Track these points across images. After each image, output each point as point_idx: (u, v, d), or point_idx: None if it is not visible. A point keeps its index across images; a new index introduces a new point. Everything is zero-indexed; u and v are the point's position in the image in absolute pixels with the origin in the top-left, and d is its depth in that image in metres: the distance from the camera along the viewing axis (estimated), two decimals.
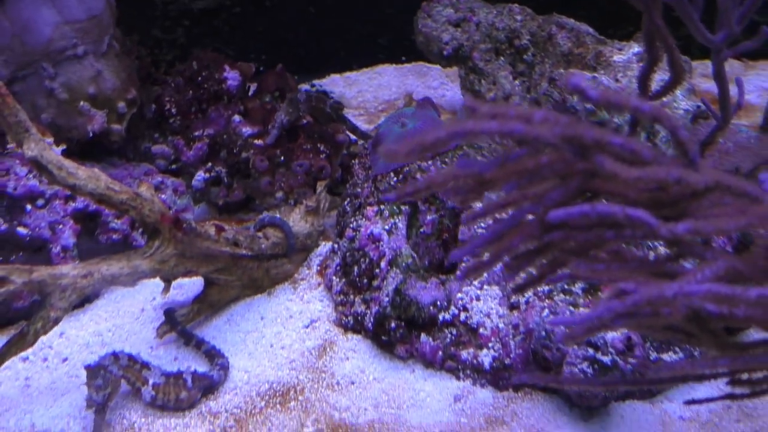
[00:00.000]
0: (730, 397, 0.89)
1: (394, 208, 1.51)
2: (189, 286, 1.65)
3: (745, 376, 0.95)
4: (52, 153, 1.26)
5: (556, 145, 0.66)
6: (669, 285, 0.64)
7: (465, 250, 0.73)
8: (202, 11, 2.55)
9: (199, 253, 1.45)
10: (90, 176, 1.30)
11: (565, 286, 1.29)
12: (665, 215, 0.70)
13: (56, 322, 1.30)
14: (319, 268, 1.66)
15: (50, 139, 1.60)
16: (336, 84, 2.64)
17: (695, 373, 0.95)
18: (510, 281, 0.81)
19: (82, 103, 1.56)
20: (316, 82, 2.58)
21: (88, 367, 1.27)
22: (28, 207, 1.55)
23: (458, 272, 1.37)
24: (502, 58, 2.07)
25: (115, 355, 1.29)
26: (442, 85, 2.58)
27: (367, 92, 2.56)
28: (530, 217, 0.71)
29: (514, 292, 0.84)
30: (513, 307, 1.36)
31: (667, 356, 1.30)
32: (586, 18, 2.20)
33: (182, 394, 1.32)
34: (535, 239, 0.72)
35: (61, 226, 1.57)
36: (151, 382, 1.31)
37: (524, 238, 0.72)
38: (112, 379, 1.27)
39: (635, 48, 1.81)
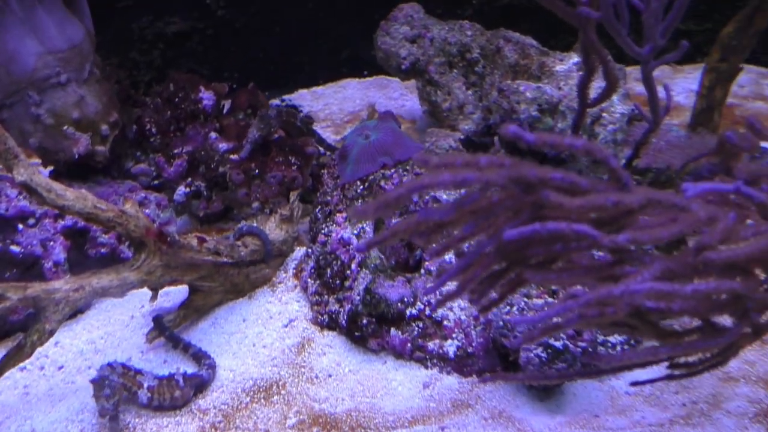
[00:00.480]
0: (670, 377, 0.93)
1: None
2: (175, 294, 1.65)
3: (682, 359, 1.00)
4: (41, 177, 1.26)
5: (505, 185, 0.70)
6: (616, 286, 0.67)
7: (437, 285, 0.76)
8: (176, 34, 2.54)
9: (183, 263, 1.46)
10: (78, 197, 1.30)
11: None
12: (608, 231, 0.73)
13: (51, 333, 1.31)
14: (294, 271, 1.68)
15: (38, 161, 1.59)
16: (304, 98, 2.66)
17: (639, 362, 0.99)
18: (476, 304, 0.84)
19: (67, 127, 1.56)
20: (285, 97, 2.59)
21: (93, 381, 1.28)
22: (20, 226, 1.55)
23: (433, 301, 1.41)
24: (455, 70, 2.11)
25: (111, 366, 1.30)
26: (401, 96, 2.61)
27: (333, 105, 2.58)
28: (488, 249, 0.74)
29: (481, 312, 0.87)
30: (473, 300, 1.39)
31: (613, 338, 1.34)
32: (530, 30, 2.24)
33: (176, 393, 1.34)
34: (495, 265, 0.76)
35: (51, 243, 1.57)
36: (146, 385, 1.32)
37: (485, 267, 0.76)
38: (117, 387, 1.28)
39: (575, 58, 1.86)
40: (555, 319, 0.72)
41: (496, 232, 0.71)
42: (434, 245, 0.77)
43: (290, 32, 2.63)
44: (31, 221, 1.56)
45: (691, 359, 0.98)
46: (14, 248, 1.54)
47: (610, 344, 1.34)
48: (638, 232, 0.72)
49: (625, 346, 1.36)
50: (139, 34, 2.47)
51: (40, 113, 1.53)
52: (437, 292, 0.81)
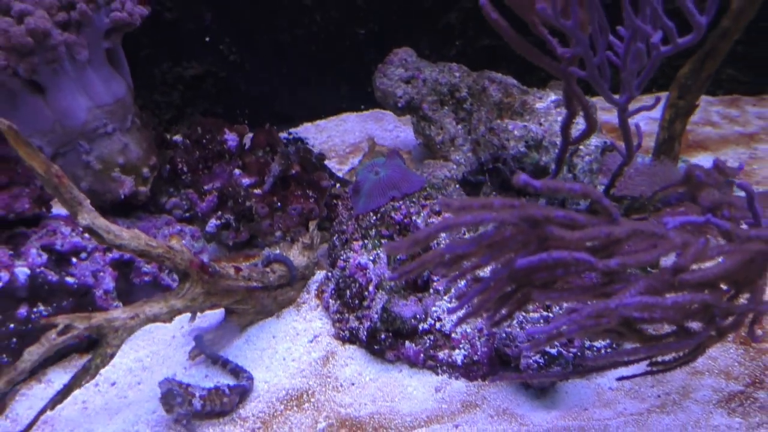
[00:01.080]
0: (649, 373, 1.03)
1: (375, 241, 1.62)
2: (211, 316, 1.72)
3: (659, 358, 1.10)
4: (102, 219, 1.33)
5: (516, 223, 0.79)
6: (611, 300, 0.77)
7: (459, 305, 0.84)
8: (193, 77, 2.61)
9: (221, 290, 1.53)
10: (132, 236, 1.38)
11: None
12: (601, 257, 0.83)
13: (112, 356, 1.37)
14: (316, 292, 1.76)
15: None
16: (308, 131, 2.73)
17: (623, 360, 1.09)
18: (489, 320, 0.93)
19: (113, 172, 1.63)
20: (291, 130, 2.66)
21: (164, 394, 1.35)
22: (74, 260, 1.61)
23: (446, 317, 1.49)
24: (446, 107, 2.21)
25: (168, 380, 1.37)
26: (396, 128, 2.70)
27: (336, 137, 2.66)
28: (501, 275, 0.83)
29: (492, 326, 0.96)
30: (488, 317, 1.48)
31: (598, 343, 1.44)
32: (507, 67, 2.35)
33: (224, 399, 1.41)
34: (507, 288, 0.85)
35: (102, 274, 1.63)
36: (197, 394, 1.39)
37: (499, 290, 0.85)
38: (185, 395, 1.35)
39: (552, 96, 1.96)
40: (559, 329, 0.81)
41: (509, 262, 0.80)
42: (453, 273, 0.86)
43: (294, 72, 2.71)
44: (84, 255, 1.62)
45: (666, 358, 1.08)
46: (69, 279, 1.60)
47: (595, 348, 1.44)
48: (626, 257, 0.81)
49: (609, 350, 1.46)
50: (161, 77, 2.54)
51: (90, 160, 1.60)
52: (454, 312, 0.89)
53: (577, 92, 1.34)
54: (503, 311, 0.95)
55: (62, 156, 1.60)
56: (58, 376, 1.60)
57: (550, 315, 1.38)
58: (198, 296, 1.49)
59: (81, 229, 1.29)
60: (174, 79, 2.59)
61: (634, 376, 1.12)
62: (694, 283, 0.80)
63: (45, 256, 1.57)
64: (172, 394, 1.33)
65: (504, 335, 1.37)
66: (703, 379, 1.43)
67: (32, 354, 1.25)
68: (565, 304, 1.39)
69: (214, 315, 1.70)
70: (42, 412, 1.32)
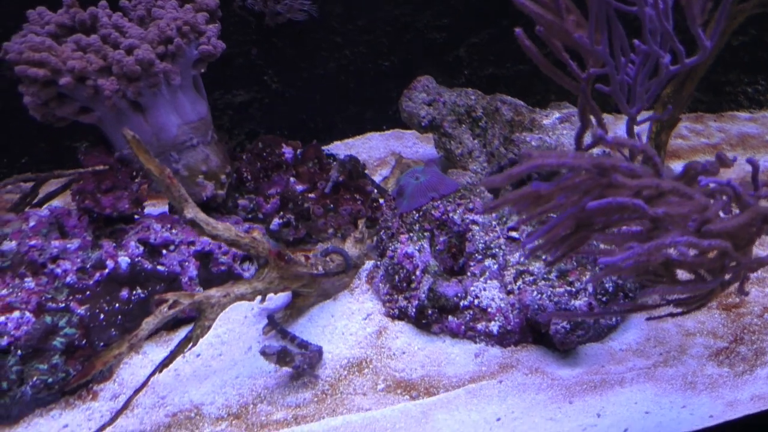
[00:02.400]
0: (672, 315, 1.12)
1: (419, 234, 1.73)
2: (276, 299, 1.82)
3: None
4: (202, 214, 1.44)
5: (588, 169, 0.90)
6: (666, 237, 0.88)
7: (534, 237, 0.95)
8: (241, 103, 2.73)
9: (292, 275, 1.64)
10: (225, 228, 1.48)
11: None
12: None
13: (209, 328, 1.47)
14: (367, 279, 1.86)
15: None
16: (338, 148, 2.84)
17: (652, 305, 1.18)
18: (553, 256, 1.01)
19: (198, 178, 1.74)
20: (324, 148, 2.76)
21: (279, 352, 1.43)
22: (164, 252, 1.71)
23: (524, 251, 1.57)
24: (463, 125, 2.34)
25: (270, 345, 1.46)
26: (415, 144, 2.82)
27: (363, 153, 2.77)
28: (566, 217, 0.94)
29: (549, 265, 1.06)
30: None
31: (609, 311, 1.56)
32: (506, 92, 2.48)
33: (312, 358, 1.51)
34: (569, 228, 0.95)
35: (187, 263, 1.73)
36: (296, 352, 1.48)
37: (565, 229, 0.95)
38: (294, 353, 1.45)
39: (556, 114, 2.10)
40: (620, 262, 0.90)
41: (579, 203, 0.91)
42: (530, 214, 0.94)
43: (327, 98, 2.83)
44: (172, 248, 1.72)
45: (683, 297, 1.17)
46: (160, 268, 1.69)
47: (606, 318, 1.55)
48: (670, 208, 0.92)
49: (618, 318, 1.57)
50: (213, 103, 2.64)
51: (179, 168, 1.71)
52: (526, 250, 0.96)
53: (593, 105, 1.47)
54: (561, 250, 1.03)
55: None
56: (152, 349, 1.69)
57: (573, 289, 1.50)
58: (274, 280, 1.60)
59: (182, 221, 1.39)
60: (224, 105, 2.70)
61: (660, 317, 1.22)
62: (716, 232, 0.92)
63: (141, 248, 1.66)
64: (287, 352, 1.43)
65: (536, 306, 1.49)
66: (695, 338, 1.56)
67: (149, 323, 1.35)
68: (584, 278, 1.51)
69: (281, 298, 1.80)
70: (153, 373, 1.41)
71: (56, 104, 1.56)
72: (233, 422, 1.47)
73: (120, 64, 1.48)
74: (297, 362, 1.45)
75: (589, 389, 1.41)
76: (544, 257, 1.53)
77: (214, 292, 1.47)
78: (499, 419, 1.36)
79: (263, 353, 1.43)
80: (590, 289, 1.50)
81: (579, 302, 1.46)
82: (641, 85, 1.29)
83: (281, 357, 1.42)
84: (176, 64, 1.62)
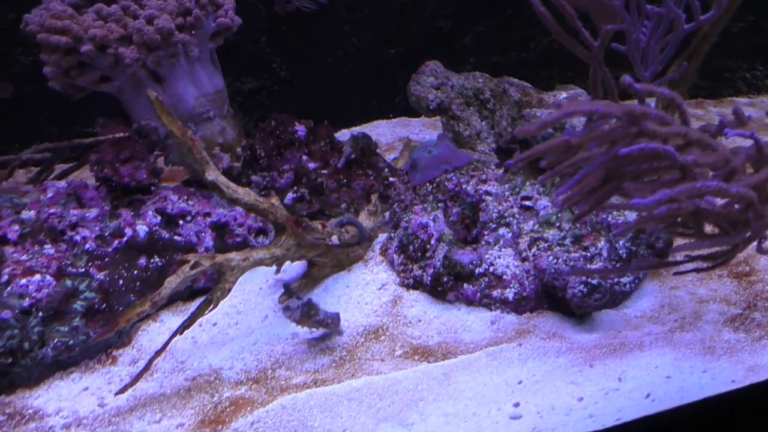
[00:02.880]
0: (697, 270, 1.12)
1: (433, 205, 1.73)
2: (291, 270, 1.81)
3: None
4: (223, 177, 1.43)
5: (619, 117, 0.90)
6: (697, 182, 0.88)
7: (565, 187, 0.95)
8: (250, 90, 2.73)
9: (308, 243, 1.63)
10: (245, 192, 1.48)
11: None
12: None
13: (229, 291, 1.46)
14: (380, 251, 1.86)
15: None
16: (345, 136, 2.84)
17: (673, 261, 1.18)
18: (581, 209, 1.01)
19: (215, 150, 1.74)
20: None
21: (304, 305, 1.42)
22: (181, 222, 1.70)
23: (557, 201, 1.57)
24: (471, 107, 2.35)
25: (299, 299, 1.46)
26: (421, 131, 2.83)
27: None
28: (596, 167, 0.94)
29: (576, 218, 1.06)
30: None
31: (624, 279, 1.56)
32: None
33: (332, 320, 1.50)
34: (599, 178, 0.95)
35: (203, 234, 1.72)
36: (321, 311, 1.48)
37: (596, 179, 0.95)
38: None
39: (564, 94, 2.11)
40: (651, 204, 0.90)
41: (610, 151, 0.91)
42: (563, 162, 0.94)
43: (334, 87, 2.84)
44: (188, 218, 1.71)
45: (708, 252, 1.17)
46: (177, 238, 1.69)
47: (622, 283, 1.56)
48: (698, 156, 0.93)
49: (633, 285, 1.58)
50: None
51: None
52: (558, 198, 0.95)
53: (605, 73, 1.48)
54: (590, 202, 1.02)
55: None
56: (168, 318, 1.68)
57: (588, 254, 1.50)
58: (291, 247, 1.59)
59: (207, 183, 1.38)
60: (234, 92, 2.70)
61: (687, 271, 1.21)
62: (743, 183, 0.92)
63: (159, 218, 1.66)
64: (311, 305, 1.42)
65: (553, 270, 1.49)
66: (709, 305, 1.56)
67: (171, 283, 1.34)
68: (599, 243, 1.51)
69: (296, 269, 1.79)
70: (175, 334, 1.40)
71: (77, 73, 1.56)
72: (253, 386, 1.46)
73: (140, 33, 1.48)
74: (321, 316, 1.44)
75: (608, 353, 1.41)
76: (573, 210, 1.53)
77: (234, 255, 1.46)
78: (520, 382, 1.35)
79: (287, 308, 1.42)
80: (605, 254, 1.51)
81: (594, 267, 1.46)
82: (656, 43, 1.30)
83: (305, 310, 1.41)
84: (194, 35, 1.62)
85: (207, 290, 1.70)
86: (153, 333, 1.61)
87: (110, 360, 1.51)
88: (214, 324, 1.67)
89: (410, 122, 2.92)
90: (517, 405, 1.30)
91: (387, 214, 1.91)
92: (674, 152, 0.88)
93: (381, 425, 1.29)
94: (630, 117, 0.92)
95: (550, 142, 0.92)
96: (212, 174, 1.40)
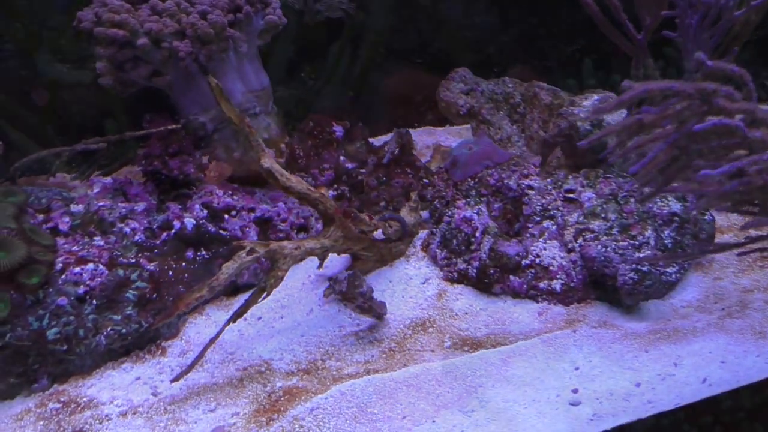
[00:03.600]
0: (761, 249, 1.11)
1: (477, 199, 1.73)
2: (331, 267, 1.79)
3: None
4: (277, 165, 1.43)
5: (691, 95, 0.91)
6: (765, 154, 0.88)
7: (640, 164, 0.95)
8: (278, 99, 2.75)
9: (354, 236, 1.62)
10: (298, 181, 1.47)
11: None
12: None
13: (281, 279, 1.44)
14: (422, 246, 1.84)
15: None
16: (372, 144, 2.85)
17: (732, 243, 1.17)
18: (650, 188, 1.01)
19: None
20: None
21: (350, 275, 1.41)
22: (226, 216, 1.69)
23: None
24: (501, 111, 2.36)
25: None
26: (447, 139, 2.83)
27: None
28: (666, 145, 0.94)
29: (646, 198, 1.05)
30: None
31: (670, 269, 1.54)
32: None
33: (382, 307, 1.49)
34: (672, 154, 0.96)
35: (247, 228, 1.71)
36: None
37: (667, 155, 0.96)
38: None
39: (595, 96, 2.12)
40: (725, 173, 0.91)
41: (682, 129, 0.91)
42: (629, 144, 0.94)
43: (358, 98, 2.86)
44: (234, 213, 1.70)
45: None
46: (223, 231, 1.67)
47: (668, 273, 1.54)
48: (764, 134, 0.93)
49: (678, 275, 1.56)
50: None
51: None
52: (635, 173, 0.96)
53: (649, 62, 1.49)
54: (648, 189, 1.02)
55: (219, 131, 1.70)
56: (214, 312, 1.66)
57: (636, 242, 1.49)
58: (339, 239, 1.58)
59: (262, 168, 1.38)
60: None
61: (752, 251, 1.20)
62: None
63: (205, 211, 1.65)
64: (357, 275, 1.40)
65: (602, 258, 1.47)
66: (753, 294, 1.54)
67: (228, 268, 1.32)
68: (646, 233, 1.50)
69: (338, 265, 1.77)
70: (228, 323, 1.38)
71: (131, 66, 1.57)
72: (304, 377, 1.43)
73: (194, 27, 1.49)
74: (364, 288, 1.42)
75: (662, 339, 1.39)
76: (618, 201, 1.53)
77: (287, 244, 1.45)
78: (577, 368, 1.33)
79: (334, 280, 1.41)
80: (652, 242, 1.50)
81: (643, 255, 1.45)
82: (704, 31, 1.31)
83: (351, 281, 1.40)
84: (244, 31, 1.64)
85: (250, 286, 1.69)
86: (200, 326, 1.59)
87: (160, 351, 1.49)
88: (259, 318, 1.65)
89: (435, 131, 2.92)
90: (575, 391, 1.28)
91: (424, 212, 1.90)
92: (743, 127, 0.88)
93: (441, 412, 1.26)
94: (701, 94, 0.92)
95: (623, 122, 0.93)
96: (267, 161, 1.39)
